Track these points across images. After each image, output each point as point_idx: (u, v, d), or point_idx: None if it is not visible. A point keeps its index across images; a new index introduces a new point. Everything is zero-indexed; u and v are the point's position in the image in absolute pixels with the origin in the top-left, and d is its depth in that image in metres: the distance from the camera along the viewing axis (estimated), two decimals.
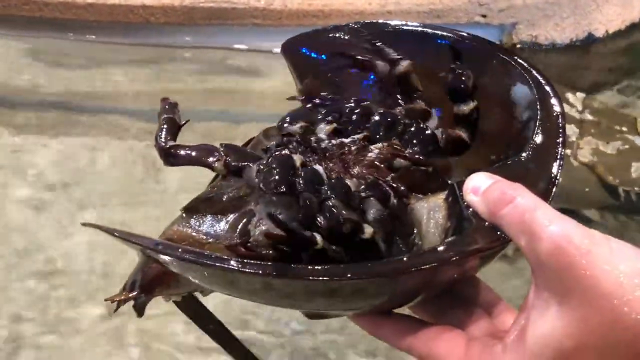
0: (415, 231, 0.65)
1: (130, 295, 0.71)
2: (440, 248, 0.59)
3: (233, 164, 0.68)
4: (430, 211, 0.65)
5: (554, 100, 0.69)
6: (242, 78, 1.92)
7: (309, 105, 0.75)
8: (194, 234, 0.66)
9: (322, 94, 0.76)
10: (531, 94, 0.69)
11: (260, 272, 0.56)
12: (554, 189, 0.62)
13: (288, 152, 0.65)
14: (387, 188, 0.65)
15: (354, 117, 0.72)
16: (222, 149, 0.69)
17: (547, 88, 0.70)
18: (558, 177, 0.63)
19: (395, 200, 0.65)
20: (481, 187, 0.59)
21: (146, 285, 0.71)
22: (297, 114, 0.73)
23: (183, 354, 1.32)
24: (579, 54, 2.08)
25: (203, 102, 1.85)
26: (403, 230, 0.64)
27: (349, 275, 0.57)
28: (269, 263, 0.57)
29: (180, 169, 0.70)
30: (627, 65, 2.08)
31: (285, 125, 0.71)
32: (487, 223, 0.58)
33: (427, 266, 0.57)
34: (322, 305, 0.65)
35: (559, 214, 0.55)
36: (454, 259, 0.58)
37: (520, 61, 0.72)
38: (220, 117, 1.82)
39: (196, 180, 0.80)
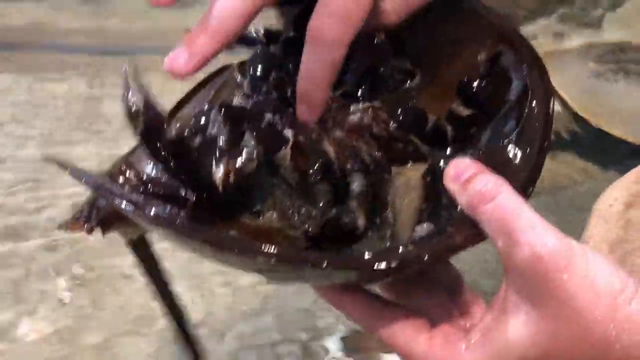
0: (389, 206, 0.63)
1: (86, 226, 0.66)
2: (411, 247, 0.57)
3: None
4: (406, 186, 0.63)
5: (544, 85, 0.63)
6: (187, 13, 1.87)
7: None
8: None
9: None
10: (521, 70, 0.64)
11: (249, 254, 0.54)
12: (535, 182, 0.60)
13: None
14: (369, 160, 0.62)
15: None
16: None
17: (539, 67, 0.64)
18: (541, 168, 0.61)
19: (375, 174, 0.62)
20: (463, 175, 0.57)
21: (104, 219, 0.66)
22: (267, 58, 0.68)
23: None
24: None
25: (146, 38, 1.80)
26: (379, 204, 0.63)
27: (325, 263, 0.55)
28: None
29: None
30: None
31: (257, 75, 0.67)
32: (464, 214, 0.57)
33: (398, 263, 0.56)
34: (290, 279, 0.65)
35: (541, 220, 0.54)
36: (426, 257, 0.56)
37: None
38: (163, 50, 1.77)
39: None
